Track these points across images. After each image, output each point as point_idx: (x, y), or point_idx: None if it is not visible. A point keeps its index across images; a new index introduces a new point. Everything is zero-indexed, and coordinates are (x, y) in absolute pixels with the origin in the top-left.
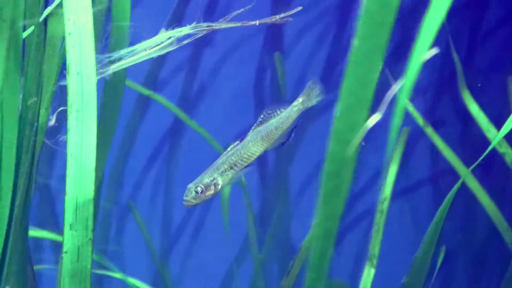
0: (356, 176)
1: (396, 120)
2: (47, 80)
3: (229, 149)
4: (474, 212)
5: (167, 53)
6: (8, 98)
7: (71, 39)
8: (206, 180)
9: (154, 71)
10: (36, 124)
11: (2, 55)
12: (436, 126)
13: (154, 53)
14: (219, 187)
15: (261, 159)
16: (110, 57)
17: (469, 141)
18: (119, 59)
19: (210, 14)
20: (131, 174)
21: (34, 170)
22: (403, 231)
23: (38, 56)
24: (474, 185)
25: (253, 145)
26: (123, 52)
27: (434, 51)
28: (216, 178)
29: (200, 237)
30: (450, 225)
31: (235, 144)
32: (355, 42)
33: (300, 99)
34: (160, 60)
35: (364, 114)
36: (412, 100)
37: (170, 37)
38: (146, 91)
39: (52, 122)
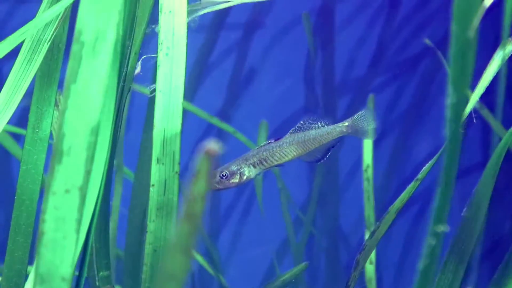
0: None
1: None
2: (139, 22)
3: (262, 144)
4: None
5: (218, 35)
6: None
7: None
8: (233, 167)
9: (204, 54)
10: (126, 69)
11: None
12: (491, 108)
13: None
14: (245, 177)
15: None
16: None
17: None
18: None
19: None
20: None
21: (121, 117)
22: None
23: None
24: None
25: (288, 147)
26: None
27: None
28: (243, 168)
29: (248, 220)
30: (499, 215)
31: (269, 141)
32: None
33: (346, 123)
34: (210, 43)
35: None
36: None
37: None
38: None
39: (137, 70)
